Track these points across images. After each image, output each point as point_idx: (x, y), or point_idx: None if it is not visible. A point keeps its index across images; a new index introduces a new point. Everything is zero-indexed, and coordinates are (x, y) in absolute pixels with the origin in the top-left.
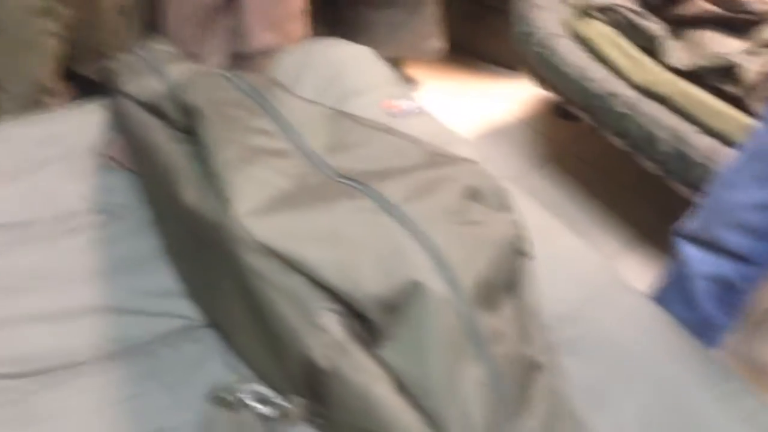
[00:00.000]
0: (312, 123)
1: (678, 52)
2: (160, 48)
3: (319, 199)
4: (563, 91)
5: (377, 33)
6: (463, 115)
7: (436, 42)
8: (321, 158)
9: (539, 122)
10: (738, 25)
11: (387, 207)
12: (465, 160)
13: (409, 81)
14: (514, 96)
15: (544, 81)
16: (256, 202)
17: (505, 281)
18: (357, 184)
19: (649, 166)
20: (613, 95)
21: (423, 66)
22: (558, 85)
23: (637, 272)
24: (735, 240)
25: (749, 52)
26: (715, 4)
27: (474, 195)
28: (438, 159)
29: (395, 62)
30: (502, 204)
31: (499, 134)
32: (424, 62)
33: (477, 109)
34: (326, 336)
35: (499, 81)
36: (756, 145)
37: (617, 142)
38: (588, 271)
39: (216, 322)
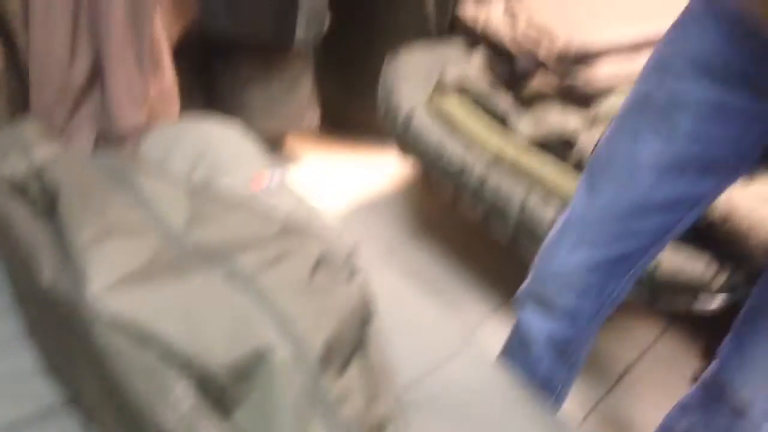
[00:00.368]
0: (173, 199)
1: (525, 126)
2: (27, 127)
3: (173, 273)
4: (423, 164)
5: (254, 109)
6: (341, 187)
7: (313, 115)
8: (179, 233)
9: (415, 189)
10: (579, 99)
11: (239, 278)
12: (319, 231)
13: (286, 155)
14: (391, 166)
15: (407, 154)
16: (110, 280)
17: (353, 345)
18: (211, 256)
19: (500, 237)
20: (466, 170)
21: (301, 139)
22: (418, 159)
23: (503, 334)
24: (566, 300)
25: (587, 125)
26: (560, 80)
27: (323, 265)
28: (292, 231)
29: (273, 136)
30: (350, 273)
31: (375, 204)
32: (302, 136)
33: (354, 180)
34: (178, 409)
35: (377, 152)
36: (573, 211)
37: (471, 214)
38: (441, 336)
39: (77, 402)
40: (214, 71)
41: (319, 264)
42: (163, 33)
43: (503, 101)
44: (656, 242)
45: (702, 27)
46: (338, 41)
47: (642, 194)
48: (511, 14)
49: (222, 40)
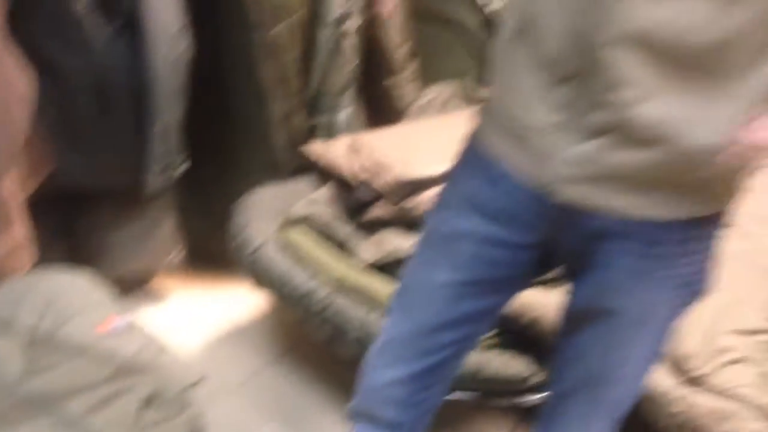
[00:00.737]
0: (9, 353)
1: (365, 250)
2: None
3: (4, 423)
4: (273, 293)
5: (117, 251)
6: (204, 320)
7: (177, 252)
8: (12, 385)
9: (273, 318)
10: (413, 223)
11: (67, 423)
12: (162, 368)
13: (151, 292)
14: (252, 297)
15: (259, 285)
16: None
17: None
18: (42, 405)
19: (345, 356)
20: (310, 295)
21: (166, 276)
22: (268, 289)
23: None
24: (388, 413)
25: None
26: (395, 207)
27: (153, 401)
28: (128, 371)
29: (138, 276)
30: (181, 406)
31: (236, 334)
32: (167, 272)
33: (217, 311)
34: None
35: (239, 283)
36: (386, 331)
37: (318, 336)
38: None
39: None
40: (75, 218)
41: (150, 400)
42: (15, 190)
43: (346, 229)
44: (460, 351)
45: (470, 170)
46: (198, 179)
47: (440, 313)
48: (352, 150)
49: (79, 189)
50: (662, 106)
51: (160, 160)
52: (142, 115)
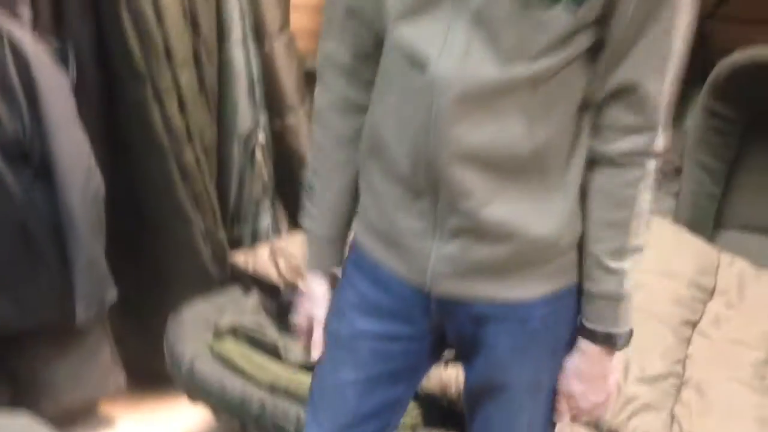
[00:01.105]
0: None
1: (295, 351)
2: None
3: None
4: (210, 406)
5: (59, 383)
6: None
7: (119, 377)
8: None
9: (225, 427)
10: None
11: None
12: None
13: (99, 419)
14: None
15: (195, 400)
16: None
17: None
18: None
19: None
20: (246, 402)
21: (111, 402)
22: (205, 402)
23: None
24: None
25: None
26: None
27: None
28: None
29: (83, 405)
30: None
31: None
32: (111, 398)
33: (168, 430)
34: None
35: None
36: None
37: None
38: None
39: None
40: (13, 358)
41: None
42: None
43: (274, 333)
44: None
45: (357, 272)
46: (133, 302)
47: (353, 409)
48: (274, 255)
49: (13, 329)
50: (502, 207)
51: (89, 293)
52: (65, 253)
